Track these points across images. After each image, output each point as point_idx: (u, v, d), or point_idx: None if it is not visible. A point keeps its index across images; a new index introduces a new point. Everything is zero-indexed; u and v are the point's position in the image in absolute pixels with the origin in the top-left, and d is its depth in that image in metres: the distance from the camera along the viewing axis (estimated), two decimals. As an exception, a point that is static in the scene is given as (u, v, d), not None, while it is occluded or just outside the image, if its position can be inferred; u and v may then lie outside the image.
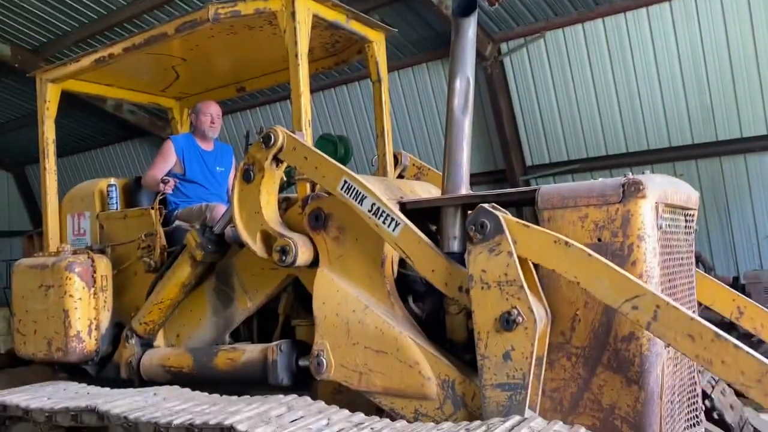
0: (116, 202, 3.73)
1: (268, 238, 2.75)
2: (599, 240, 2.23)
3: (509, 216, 2.19)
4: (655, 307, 1.91)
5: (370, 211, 2.44)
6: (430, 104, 10.31)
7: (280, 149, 2.71)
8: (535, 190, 2.38)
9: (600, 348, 2.22)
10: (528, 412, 2.08)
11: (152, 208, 3.37)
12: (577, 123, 9.28)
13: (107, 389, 3.00)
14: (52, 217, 3.78)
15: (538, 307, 2.15)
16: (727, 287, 2.92)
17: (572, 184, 2.37)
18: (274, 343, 2.84)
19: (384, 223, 2.40)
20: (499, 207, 2.24)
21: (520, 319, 2.07)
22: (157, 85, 4.25)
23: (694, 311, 2.62)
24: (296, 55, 2.96)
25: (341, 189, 2.52)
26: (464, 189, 2.65)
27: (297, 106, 2.98)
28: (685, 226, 2.49)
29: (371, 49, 3.59)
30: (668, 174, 2.70)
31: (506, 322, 2.08)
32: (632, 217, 2.17)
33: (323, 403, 2.49)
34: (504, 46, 9.35)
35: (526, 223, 2.17)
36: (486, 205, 2.20)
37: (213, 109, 4.01)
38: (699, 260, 7.46)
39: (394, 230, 2.38)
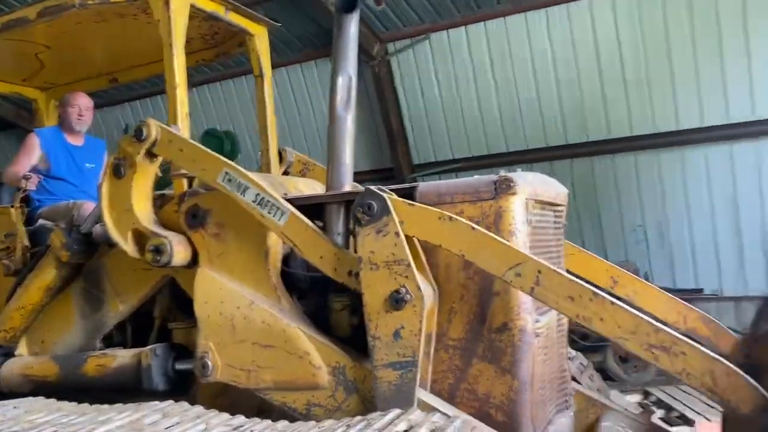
0: (-7, 199, 3.43)
1: (140, 237, 2.62)
2: (474, 235, 2.29)
3: (395, 197, 2.22)
4: (536, 273, 2.00)
5: (254, 202, 2.39)
6: (319, 101, 10.26)
7: (154, 143, 2.58)
8: (414, 187, 2.42)
9: (475, 340, 2.30)
10: (418, 390, 2.12)
11: (13, 207, 3.12)
12: (461, 123, 9.58)
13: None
14: None
15: (426, 285, 2.19)
16: (600, 258, 3.07)
17: (449, 182, 2.43)
18: (149, 347, 2.71)
19: (269, 213, 2.36)
20: (385, 189, 2.27)
21: (409, 297, 2.10)
22: (19, 73, 3.93)
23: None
24: (171, 46, 2.84)
25: (222, 181, 2.45)
26: (348, 185, 2.65)
27: (172, 98, 2.87)
28: (554, 222, 2.62)
29: (252, 43, 3.51)
30: (545, 172, 2.84)
31: (395, 302, 2.11)
32: (504, 213, 2.26)
33: (202, 407, 2.40)
34: (391, 46, 9.48)
35: (411, 202, 2.21)
36: (372, 187, 2.22)
37: (82, 101, 3.77)
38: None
39: (280, 219, 2.35)
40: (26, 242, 3.09)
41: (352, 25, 2.87)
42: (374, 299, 2.16)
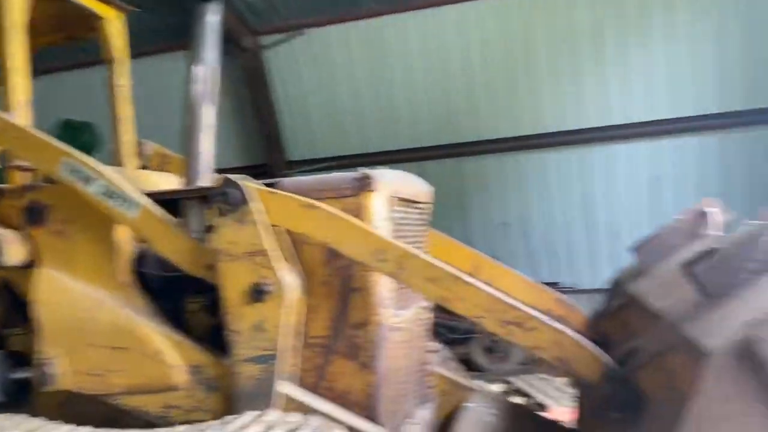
0: None
1: None
2: (336, 231, 2.28)
3: (256, 185, 2.15)
4: (399, 258, 2.02)
5: (101, 194, 2.23)
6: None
7: None
8: (276, 182, 2.36)
9: (336, 336, 2.28)
10: (281, 384, 2.07)
11: None
12: (339, 120, 9.60)
13: None
14: None
15: (291, 276, 2.13)
16: (463, 245, 3.15)
17: (312, 178, 2.40)
18: (-21, 356, 2.46)
19: (119, 205, 2.22)
20: (248, 177, 2.20)
21: (271, 289, 2.04)
22: None
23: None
24: (8, 27, 2.59)
25: (63, 172, 2.26)
26: (207, 180, 2.55)
27: (11, 83, 2.62)
28: (418, 218, 2.67)
29: (105, 27, 3.29)
30: (416, 172, 2.88)
31: (256, 294, 2.05)
32: (365, 210, 2.25)
33: (40, 420, 2.21)
34: (265, 39, 9.30)
35: (273, 190, 2.16)
36: (231, 176, 2.14)
37: None
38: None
39: (131, 212, 2.22)
40: None
41: (214, 15, 2.76)
42: (234, 292, 2.09)
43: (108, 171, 2.28)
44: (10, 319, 2.67)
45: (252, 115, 9.74)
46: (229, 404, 2.15)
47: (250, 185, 2.12)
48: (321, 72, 9.26)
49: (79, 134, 9.47)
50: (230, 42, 8.98)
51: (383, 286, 2.25)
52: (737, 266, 1.53)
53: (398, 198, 2.41)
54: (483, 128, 9.08)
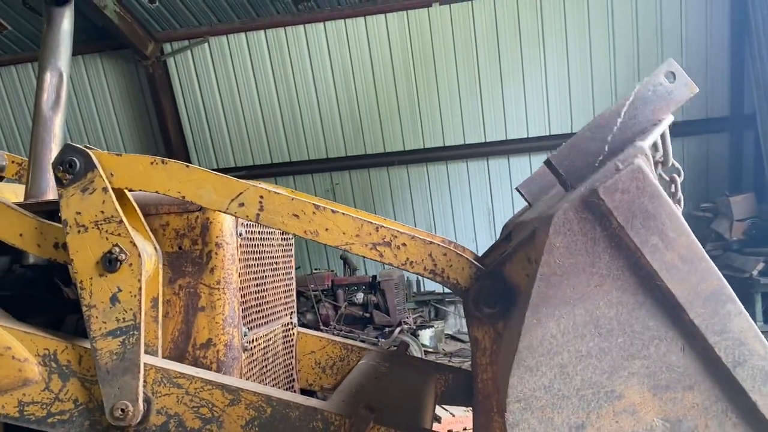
0: None
1: None
2: (180, 248, 2.20)
3: (99, 151, 2.04)
4: (259, 198, 1.94)
5: None
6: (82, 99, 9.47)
7: None
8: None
9: (180, 357, 2.19)
10: (146, 357, 1.98)
11: None
12: (243, 131, 9.43)
13: None
14: None
15: (146, 244, 2.04)
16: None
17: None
18: None
19: None
20: (89, 145, 2.08)
21: (123, 256, 1.93)
22: None
23: (293, 312, 2.79)
24: None
25: None
26: (52, 194, 2.41)
27: None
28: (281, 233, 2.62)
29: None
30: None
31: (109, 263, 1.93)
32: (211, 225, 2.19)
33: None
34: (167, 47, 9.05)
35: (118, 152, 2.05)
36: (72, 143, 2.01)
37: None
38: (345, 261, 8.18)
39: None
40: None
41: (65, 19, 2.63)
42: (85, 264, 1.97)
43: None
44: None
45: (155, 124, 9.44)
46: (90, 389, 2.02)
47: (95, 151, 1.99)
48: (224, 80, 9.10)
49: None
50: (132, 49, 8.69)
51: (230, 305, 2.19)
52: (584, 149, 1.52)
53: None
54: (387, 140, 9.17)
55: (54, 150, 2.53)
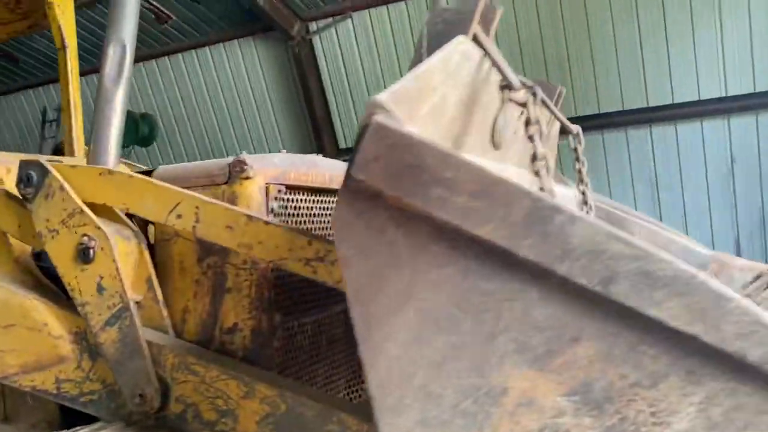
0: None
1: None
2: (204, 223, 2.05)
3: (55, 162, 2.06)
4: (195, 209, 1.85)
5: None
6: (243, 81, 9.95)
7: None
8: (152, 170, 2.17)
9: (207, 342, 2.05)
10: (148, 333, 1.95)
11: None
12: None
13: None
14: None
15: (119, 227, 2.01)
16: None
17: (187, 164, 2.18)
18: None
19: None
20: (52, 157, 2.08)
21: (94, 242, 1.92)
22: None
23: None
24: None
25: None
26: (112, 166, 2.39)
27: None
28: (321, 207, 2.37)
29: (52, 12, 3.20)
30: None
31: (83, 254, 1.93)
32: (237, 200, 2.00)
33: None
34: (312, 26, 9.17)
35: (74, 165, 2.04)
36: (25, 159, 2.04)
37: None
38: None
39: None
40: None
41: (129, -9, 2.58)
42: (66, 265, 1.98)
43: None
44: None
45: (302, 103, 9.66)
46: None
47: (51, 162, 2.01)
48: (367, 55, 9.03)
49: (139, 125, 9.77)
50: (279, 30, 8.93)
51: (258, 288, 1.99)
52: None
53: (286, 186, 2.13)
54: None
55: (114, 124, 2.49)
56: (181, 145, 10.67)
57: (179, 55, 10.11)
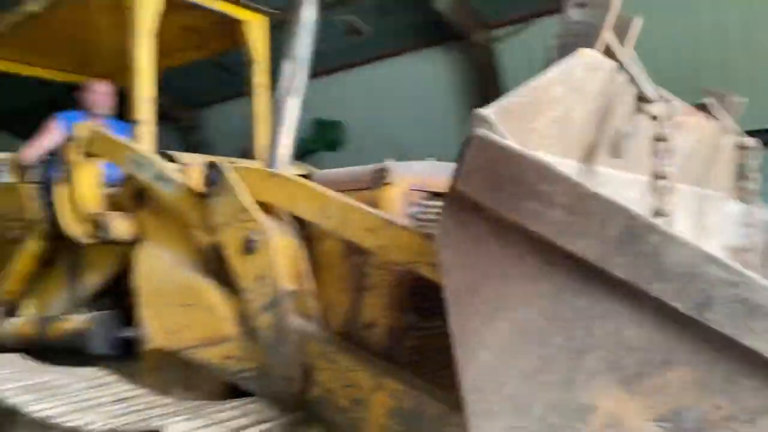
0: (4, 176, 3.86)
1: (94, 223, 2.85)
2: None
3: (235, 164, 2.37)
4: (341, 211, 2.05)
5: (154, 178, 2.54)
6: (421, 91, 10.22)
7: (84, 143, 2.83)
8: (311, 174, 2.40)
9: (348, 334, 2.21)
10: (298, 321, 2.14)
11: (24, 183, 3.49)
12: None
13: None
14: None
15: (280, 224, 2.26)
16: None
17: (340, 169, 2.38)
18: (95, 313, 2.92)
19: (163, 186, 2.52)
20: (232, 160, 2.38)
21: (257, 237, 2.19)
22: (70, 62, 4.37)
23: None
24: (140, 35, 3.02)
25: (129, 164, 2.59)
26: (281, 169, 2.66)
27: (138, 83, 3.06)
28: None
29: (249, 33, 3.60)
30: None
31: (248, 247, 2.21)
32: (379, 204, 2.14)
33: (114, 376, 2.60)
34: (495, 33, 9.16)
35: (248, 166, 2.34)
36: (210, 161, 2.37)
37: (100, 87, 4.11)
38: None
39: (169, 189, 2.51)
40: (32, 215, 3.40)
41: (306, 9, 2.84)
42: (235, 254, 2.27)
43: (156, 158, 2.53)
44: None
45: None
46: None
47: (228, 164, 2.32)
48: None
49: (328, 131, 10.47)
50: (459, 38, 9.05)
51: (395, 288, 2.10)
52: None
53: (425, 192, 2.22)
54: None
55: (285, 133, 2.76)
56: (367, 150, 11.23)
57: (368, 66, 10.64)
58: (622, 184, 1.78)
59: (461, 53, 9.56)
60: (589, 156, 1.62)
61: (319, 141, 10.10)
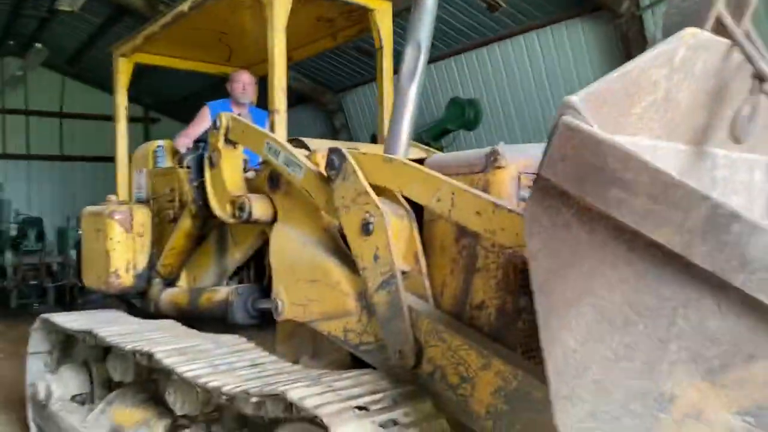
0: (163, 161, 4.31)
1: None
2: (465, 209, 2.26)
3: (354, 150, 2.48)
4: (451, 195, 2.09)
5: (285, 163, 2.71)
6: (568, 65, 9.85)
7: (227, 130, 3.05)
8: (424, 159, 2.46)
9: (459, 314, 2.27)
10: (411, 299, 2.26)
11: (178, 167, 3.88)
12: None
13: (133, 318, 3.62)
14: (121, 172, 4.49)
15: (396, 207, 2.37)
16: None
17: (453, 153, 2.42)
18: (236, 286, 3.21)
19: (294, 170, 2.68)
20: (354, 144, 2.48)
21: (374, 219, 2.30)
22: (218, 55, 4.76)
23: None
24: (274, 30, 3.24)
25: (266, 150, 2.79)
26: (401, 154, 2.76)
27: (275, 76, 3.28)
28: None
29: (375, 19, 3.71)
30: None
31: (365, 228, 2.33)
32: (491, 188, 2.17)
33: (251, 343, 2.85)
34: (644, 1, 8.60)
35: (365, 152, 2.44)
36: (333, 147, 2.48)
37: (244, 78, 4.42)
38: None
39: (299, 174, 2.66)
40: (186, 197, 3.78)
41: (429, -2, 2.89)
42: (354, 234, 2.39)
43: (287, 144, 2.71)
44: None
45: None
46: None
47: (349, 150, 2.42)
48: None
49: (465, 109, 10.43)
50: (606, 8, 8.61)
51: (504, 270, 2.12)
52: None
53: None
54: None
55: (406, 117, 2.85)
56: (504, 128, 11.06)
57: (507, 41, 10.43)
58: (743, 166, 1.68)
59: (606, 24, 9.09)
60: (701, 138, 1.55)
61: (457, 121, 10.08)
